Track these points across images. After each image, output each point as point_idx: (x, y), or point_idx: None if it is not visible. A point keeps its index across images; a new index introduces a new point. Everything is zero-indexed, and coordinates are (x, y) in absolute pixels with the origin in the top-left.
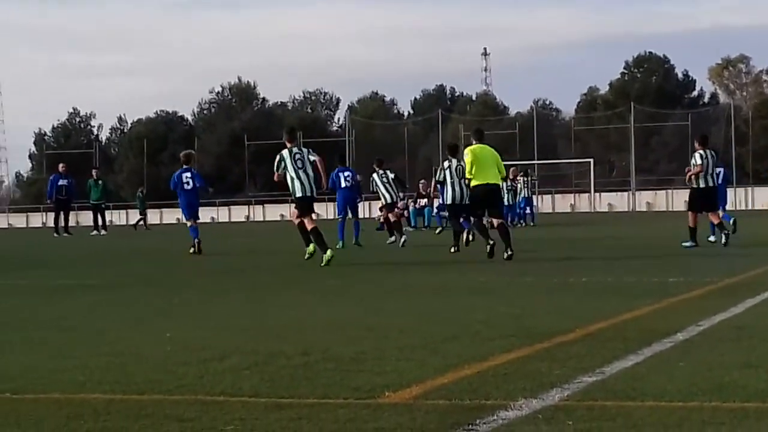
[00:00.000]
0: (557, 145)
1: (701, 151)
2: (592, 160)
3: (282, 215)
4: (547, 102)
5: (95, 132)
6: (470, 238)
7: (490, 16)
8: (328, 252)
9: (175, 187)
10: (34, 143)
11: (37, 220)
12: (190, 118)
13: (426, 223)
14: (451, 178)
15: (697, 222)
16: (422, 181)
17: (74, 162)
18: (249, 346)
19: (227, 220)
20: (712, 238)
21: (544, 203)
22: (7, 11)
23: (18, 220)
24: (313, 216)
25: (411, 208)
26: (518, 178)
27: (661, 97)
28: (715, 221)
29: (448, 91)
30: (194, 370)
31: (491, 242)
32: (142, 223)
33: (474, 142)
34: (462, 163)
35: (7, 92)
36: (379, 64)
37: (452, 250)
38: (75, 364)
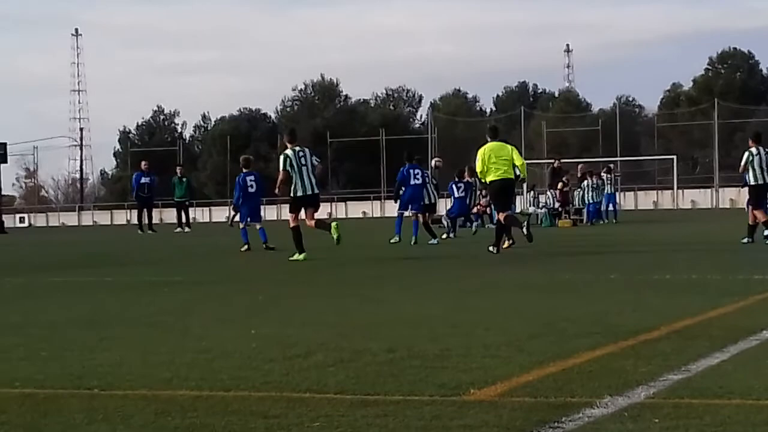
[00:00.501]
0: (640, 141)
1: (753, 149)
2: (675, 157)
3: (364, 212)
4: (630, 98)
5: (179, 130)
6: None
7: (573, 13)
8: (302, 256)
9: (241, 190)
10: (119, 141)
11: (121, 217)
12: (273, 116)
13: None
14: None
15: (758, 218)
16: None
17: (158, 159)
18: (334, 343)
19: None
20: (744, 240)
21: (626, 200)
22: (95, 11)
23: (103, 217)
24: (316, 214)
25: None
26: (602, 174)
27: (746, 93)
28: (760, 218)
29: (530, 88)
30: (280, 366)
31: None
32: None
33: (489, 140)
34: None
35: (92, 91)
36: (462, 61)
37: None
38: (162, 360)
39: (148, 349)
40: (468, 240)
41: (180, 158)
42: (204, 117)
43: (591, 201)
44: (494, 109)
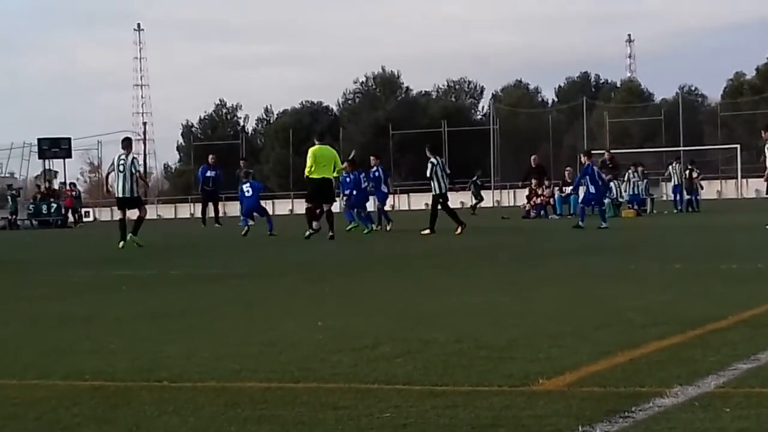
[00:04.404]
0: (703, 131)
1: None
2: (738, 146)
3: (426, 204)
4: (693, 88)
5: (242, 123)
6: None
7: (634, 2)
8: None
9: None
10: (182, 135)
11: (185, 210)
12: (334, 108)
13: (572, 211)
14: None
15: None
16: (568, 168)
17: (221, 153)
18: (401, 334)
19: (372, 209)
20: None
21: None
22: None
23: (166, 211)
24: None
25: (557, 195)
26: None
27: None
28: None
29: (592, 78)
30: (347, 358)
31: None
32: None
33: (316, 143)
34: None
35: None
36: (523, 51)
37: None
38: (230, 352)
39: (215, 341)
40: (533, 231)
41: (243, 151)
42: (266, 110)
43: (633, 192)
44: (556, 99)
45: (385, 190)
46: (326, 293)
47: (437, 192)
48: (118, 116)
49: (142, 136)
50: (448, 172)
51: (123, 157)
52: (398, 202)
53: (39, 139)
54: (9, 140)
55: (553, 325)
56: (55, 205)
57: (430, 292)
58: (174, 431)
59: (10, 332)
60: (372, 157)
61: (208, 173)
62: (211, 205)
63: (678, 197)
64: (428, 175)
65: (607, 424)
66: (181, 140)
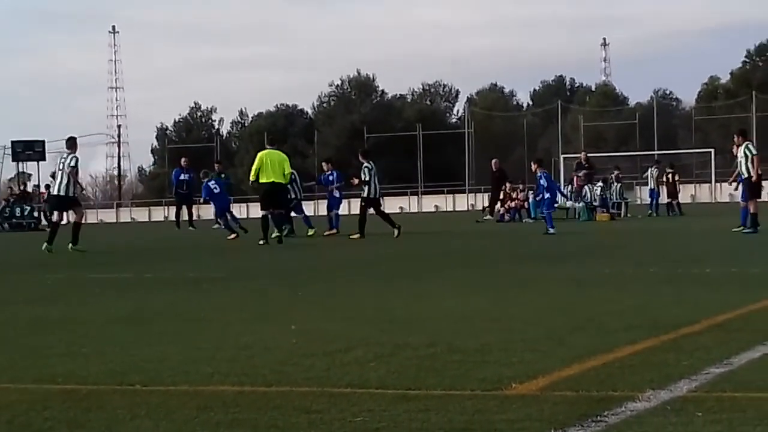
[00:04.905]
0: (677, 135)
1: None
2: (713, 150)
3: (401, 207)
4: (667, 92)
5: (216, 126)
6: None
7: (610, 6)
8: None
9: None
10: (156, 138)
11: (159, 214)
12: (309, 111)
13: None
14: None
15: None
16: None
17: (195, 156)
18: (375, 338)
19: (347, 212)
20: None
21: (663, 194)
22: (132, 8)
23: (140, 214)
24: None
25: (531, 199)
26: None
27: None
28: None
29: (567, 82)
30: (320, 362)
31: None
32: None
33: (268, 147)
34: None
35: (129, 88)
36: (498, 55)
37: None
38: (203, 356)
39: (188, 345)
40: (508, 235)
41: (217, 154)
42: (241, 113)
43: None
44: (531, 103)
45: (337, 195)
46: (300, 297)
47: (371, 196)
48: (92, 119)
49: (117, 139)
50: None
51: (64, 156)
52: None
53: (12, 142)
54: None
55: (527, 329)
56: (28, 208)
57: (404, 295)
58: None
59: None
60: (324, 163)
61: (182, 176)
62: (185, 208)
63: (654, 201)
64: (364, 179)
65: (580, 428)
66: (155, 143)
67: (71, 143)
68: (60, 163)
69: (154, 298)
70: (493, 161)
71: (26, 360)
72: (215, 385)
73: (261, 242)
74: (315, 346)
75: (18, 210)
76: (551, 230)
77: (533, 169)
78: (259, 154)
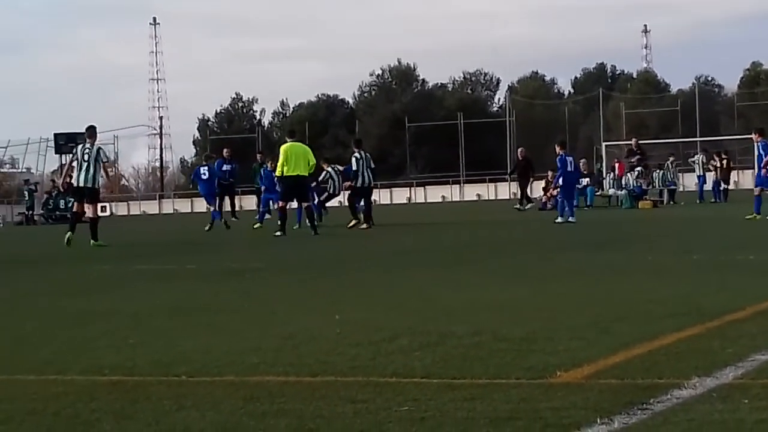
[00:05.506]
0: (720, 121)
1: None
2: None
3: (443, 196)
4: (709, 78)
5: (258, 117)
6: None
7: None
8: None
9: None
10: (198, 129)
11: (201, 205)
12: (350, 101)
13: (588, 203)
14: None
15: None
16: (582, 160)
17: (237, 147)
18: (419, 327)
19: (389, 202)
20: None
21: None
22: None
23: (182, 206)
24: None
25: None
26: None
27: None
28: None
29: (608, 69)
30: (366, 351)
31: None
32: None
33: (288, 140)
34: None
35: (171, 79)
36: (540, 43)
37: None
38: (249, 346)
39: (234, 336)
40: (549, 223)
41: (259, 145)
42: (282, 104)
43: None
44: (572, 91)
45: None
46: (343, 287)
47: (358, 185)
48: (134, 111)
49: (159, 131)
50: (373, 166)
51: (88, 147)
52: (414, 194)
53: (55, 134)
54: (26, 136)
55: (571, 317)
56: (71, 201)
57: (447, 285)
58: (193, 426)
59: (29, 328)
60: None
61: (225, 167)
62: (227, 199)
63: (702, 189)
64: (354, 168)
65: (626, 416)
66: (197, 134)
67: (91, 132)
68: (83, 153)
69: (198, 289)
70: (519, 150)
71: (72, 352)
72: (261, 375)
73: (277, 233)
74: (359, 335)
75: (62, 202)
76: (559, 219)
77: (558, 151)
78: (283, 148)
